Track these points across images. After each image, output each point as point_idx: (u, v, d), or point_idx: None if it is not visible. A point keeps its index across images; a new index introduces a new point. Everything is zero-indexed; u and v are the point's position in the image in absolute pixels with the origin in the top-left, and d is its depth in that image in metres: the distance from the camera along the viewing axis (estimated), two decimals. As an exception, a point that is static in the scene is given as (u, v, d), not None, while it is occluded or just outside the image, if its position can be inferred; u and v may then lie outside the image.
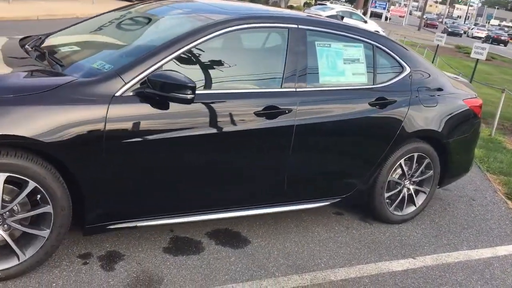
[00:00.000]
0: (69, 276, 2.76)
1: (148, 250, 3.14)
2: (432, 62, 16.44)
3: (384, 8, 57.79)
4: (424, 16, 64.79)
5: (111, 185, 2.76)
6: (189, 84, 2.68)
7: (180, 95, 2.68)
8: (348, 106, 3.50)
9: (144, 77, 2.74)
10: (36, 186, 2.54)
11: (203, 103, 2.91)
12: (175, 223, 3.15)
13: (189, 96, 2.70)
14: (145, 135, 2.74)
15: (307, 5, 46.70)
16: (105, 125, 2.61)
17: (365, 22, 25.10)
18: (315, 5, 38.11)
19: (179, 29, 3.10)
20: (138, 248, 3.14)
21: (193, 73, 2.95)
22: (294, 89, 3.28)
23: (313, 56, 3.42)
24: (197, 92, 2.88)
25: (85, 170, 2.63)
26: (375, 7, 55.40)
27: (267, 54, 3.32)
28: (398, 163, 3.91)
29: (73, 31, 3.71)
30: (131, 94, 2.72)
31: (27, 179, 2.51)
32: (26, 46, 3.33)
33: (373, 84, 3.70)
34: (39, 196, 2.60)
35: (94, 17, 3.94)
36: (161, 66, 2.83)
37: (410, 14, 76.12)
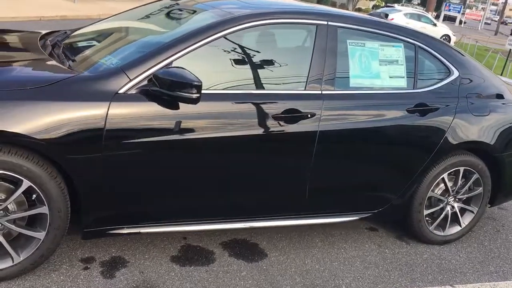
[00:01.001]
0: (65, 282, 2.63)
1: (155, 258, 2.96)
2: (503, 68, 15.36)
3: (459, 12, 55.24)
4: (503, 20, 61.31)
5: (111, 188, 2.59)
6: (194, 83, 2.47)
7: (185, 94, 2.48)
8: (382, 112, 3.15)
9: (150, 74, 2.56)
10: (30, 186, 2.42)
11: (215, 104, 2.69)
12: (184, 231, 2.97)
13: (194, 96, 2.49)
14: (149, 136, 2.56)
15: (376, 7, 45.62)
16: (105, 124, 2.45)
17: (434, 25, 24.03)
18: (383, 7, 37.08)
19: (196, 24, 2.89)
20: (145, 255, 2.97)
21: (206, 72, 2.74)
22: (319, 92, 2.98)
23: (343, 56, 3.11)
24: (209, 92, 2.68)
25: (81, 171, 2.49)
26: (449, 10, 53.07)
27: (291, 53, 3.05)
28: (441, 177, 3.50)
29: (100, 27, 3.61)
30: (135, 91, 2.54)
31: (21, 177, 2.40)
32: (46, 41, 3.25)
33: (413, 89, 3.32)
34: (34, 196, 2.48)
35: (123, 12, 3.83)
36: (170, 63, 2.63)
37: (488, 21, 72.11)
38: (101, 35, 3.34)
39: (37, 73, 2.63)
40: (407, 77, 3.31)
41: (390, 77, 3.27)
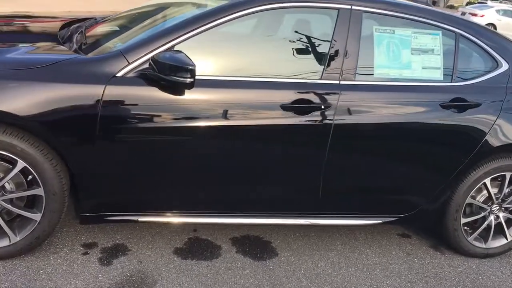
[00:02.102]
0: (61, 265, 2.61)
1: (158, 249, 2.88)
2: None
3: None
4: None
5: (106, 173, 2.54)
6: (187, 66, 2.34)
7: (178, 78, 2.36)
8: (411, 106, 2.84)
9: (150, 58, 2.47)
10: (25, 166, 2.42)
11: (218, 90, 2.55)
12: (184, 222, 2.85)
13: (188, 80, 2.36)
14: (146, 122, 2.47)
15: (470, 4, 43.11)
16: (99, 107, 2.39)
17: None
18: (477, 3, 34.87)
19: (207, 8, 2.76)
20: (149, 245, 2.90)
21: (211, 57, 2.62)
22: (337, 82, 2.74)
23: (368, 43, 2.83)
24: (212, 78, 2.55)
25: (75, 154, 2.45)
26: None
27: (308, 39, 2.82)
28: (482, 182, 3.11)
29: (127, 14, 3.59)
30: (134, 75, 2.46)
31: (16, 158, 2.40)
32: (69, 28, 3.27)
33: (451, 82, 2.97)
34: (30, 177, 2.48)
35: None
36: (172, 47, 2.52)
37: None
38: (123, 23, 3.31)
39: (37, 55, 2.63)
40: (444, 68, 2.96)
41: (423, 68, 2.94)
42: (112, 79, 2.42)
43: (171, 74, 2.36)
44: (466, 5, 41.38)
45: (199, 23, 2.57)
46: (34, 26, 3.36)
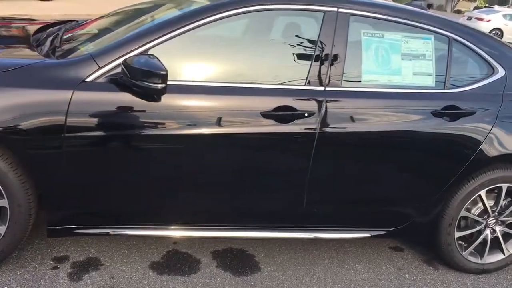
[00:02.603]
0: (27, 281, 2.48)
1: (133, 263, 2.73)
2: None
3: None
4: None
5: (73, 184, 2.40)
6: (158, 72, 2.21)
7: (149, 84, 2.22)
8: (400, 114, 2.69)
9: (121, 62, 2.33)
10: (-13, 177, 2.29)
11: (193, 96, 2.41)
12: (161, 236, 2.70)
13: (158, 86, 2.23)
14: (116, 130, 2.34)
15: (477, 8, 42.89)
16: (66, 114, 2.26)
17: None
18: (484, 8, 34.64)
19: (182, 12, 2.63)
20: (124, 259, 2.75)
21: (187, 61, 2.50)
22: (322, 88, 2.60)
23: (355, 48, 2.69)
24: (187, 83, 2.42)
25: (40, 164, 2.32)
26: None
27: (292, 43, 2.68)
28: (477, 194, 2.95)
29: (108, 18, 3.46)
30: (104, 80, 2.33)
31: (-23, 167, 2.27)
32: (45, 32, 3.14)
33: (443, 88, 2.81)
34: (-7, 188, 2.35)
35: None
36: (147, 50, 2.39)
37: None
38: (104, 25, 3.18)
39: (2, 60, 2.50)
40: (436, 74, 2.81)
41: (414, 74, 2.79)
42: (81, 84, 2.29)
43: (142, 80, 2.23)
44: (473, 9, 41.16)
45: (175, 26, 2.44)
46: (8, 29, 3.24)
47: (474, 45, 2.90)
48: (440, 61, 2.83)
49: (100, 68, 2.33)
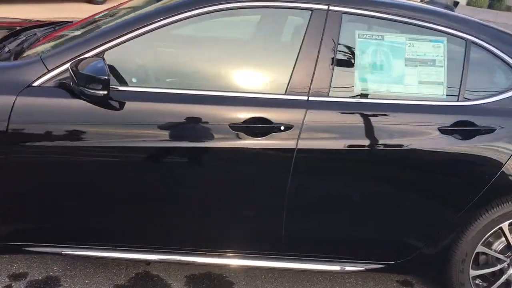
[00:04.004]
0: (-27, 300, 2.30)
1: (95, 285, 2.49)
2: None
3: None
4: None
5: (20, 197, 2.19)
6: (100, 77, 1.95)
7: (90, 90, 1.97)
8: (400, 130, 2.29)
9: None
10: None
11: (152, 105, 2.14)
12: (118, 258, 2.44)
13: (100, 93, 1.97)
14: (63, 139, 2.10)
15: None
16: (8, 122, 2.05)
17: None
18: None
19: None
20: (86, 280, 2.52)
21: (146, 66, 2.24)
22: (304, 98, 2.24)
23: (348, 51, 2.32)
24: (145, 90, 2.16)
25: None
26: None
27: (271, 46, 2.35)
28: (497, 227, 2.48)
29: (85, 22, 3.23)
30: (53, 85, 2.11)
31: None
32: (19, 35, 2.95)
33: (457, 101, 2.37)
34: None
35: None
36: (101, 53, 2.14)
37: None
38: (77, 29, 2.97)
39: None
40: (448, 84, 2.38)
41: (420, 83, 2.37)
42: (26, 89, 2.08)
43: (85, 85, 1.98)
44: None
45: (133, 26, 2.17)
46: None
47: (498, 49, 2.43)
48: (454, 68, 2.39)
49: (49, 71, 2.11)
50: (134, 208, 2.25)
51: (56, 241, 2.31)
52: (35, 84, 2.10)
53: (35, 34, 2.80)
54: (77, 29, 2.57)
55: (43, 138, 2.09)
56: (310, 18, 2.28)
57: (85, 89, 1.97)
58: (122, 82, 2.19)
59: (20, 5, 8.86)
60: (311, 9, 2.28)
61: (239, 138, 2.16)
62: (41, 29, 3.00)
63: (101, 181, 2.19)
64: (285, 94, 2.24)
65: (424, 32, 2.38)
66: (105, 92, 1.97)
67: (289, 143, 2.19)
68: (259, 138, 2.18)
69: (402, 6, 2.40)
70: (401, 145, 2.28)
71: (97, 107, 2.06)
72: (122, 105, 2.08)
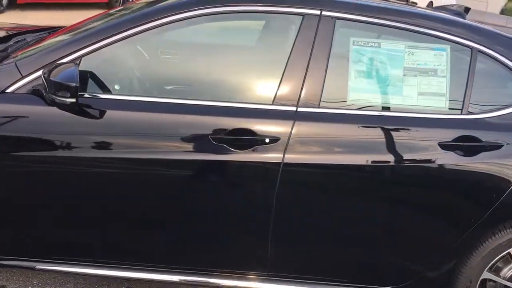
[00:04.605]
0: None
1: (72, 302, 2.38)
2: None
3: None
4: None
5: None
6: (68, 84, 1.84)
7: (58, 97, 1.87)
8: (394, 145, 2.12)
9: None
10: None
11: (129, 114, 2.02)
12: (94, 274, 2.32)
13: (68, 101, 1.87)
14: (33, 150, 2.02)
15: None
16: (-22, 130, 1.97)
17: None
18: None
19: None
20: (63, 296, 2.42)
21: (125, 73, 2.13)
22: (293, 109, 2.09)
23: (341, 59, 2.17)
24: (120, 98, 2.06)
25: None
26: None
27: (258, 53, 2.21)
28: (506, 252, 2.27)
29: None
30: (26, 91, 2.02)
31: None
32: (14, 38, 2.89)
33: (460, 114, 2.19)
34: None
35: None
36: (78, 58, 2.04)
37: None
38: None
39: None
40: (450, 96, 2.19)
41: (420, 94, 2.19)
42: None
43: (54, 93, 1.88)
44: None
45: (113, 31, 2.07)
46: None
47: (508, 59, 2.23)
48: (458, 78, 2.21)
49: (23, 77, 2.03)
50: (108, 222, 2.14)
51: (30, 255, 2.21)
52: (9, 90, 2.02)
53: (25, 39, 2.73)
54: (66, 34, 2.48)
55: (15, 147, 2.00)
56: (301, 23, 2.14)
57: (55, 96, 1.87)
58: (105, 89, 2.09)
59: (47, 11, 9.00)
60: (302, 14, 2.14)
61: (221, 150, 2.03)
62: (34, 34, 2.93)
63: (74, 193, 2.08)
64: (272, 104, 2.10)
65: (425, 39, 2.21)
66: (73, 100, 1.87)
67: (275, 157, 2.05)
68: (243, 151, 2.04)
69: (401, 11, 2.25)
70: (398, 161, 2.11)
71: (71, 115, 1.96)
72: (96, 113, 1.97)
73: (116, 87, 2.13)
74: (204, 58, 2.29)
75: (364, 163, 2.10)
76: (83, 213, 2.12)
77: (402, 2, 2.47)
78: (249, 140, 2.04)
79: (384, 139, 2.12)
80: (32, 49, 2.24)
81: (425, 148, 2.12)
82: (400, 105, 2.18)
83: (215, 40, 2.37)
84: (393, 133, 2.12)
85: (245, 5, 2.12)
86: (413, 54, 2.20)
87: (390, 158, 2.11)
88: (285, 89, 2.10)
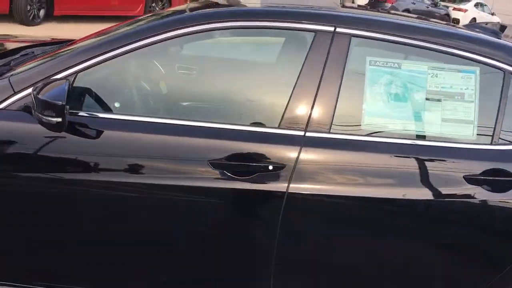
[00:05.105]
0: None
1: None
2: None
3: None
4: None
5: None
6: (54, 102, 1.72)
7: (45, 116, 1.75)
8: (415, 176, 1.90)
9: (33, 88, 1.90)
10: None
11: (124, 134, 1.89)
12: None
13: (53, 120, 1.74)
14: (21, 171, 1.90)
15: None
16: (-35, 148, 1.87)
17: None
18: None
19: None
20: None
21: (121, 91, 2.01)
22: (301, 133, 1.91)
23: (356, 80, 1.98)
24: (117, 117, 1.92)
25: None
26: None
27: (264, 72, 2.04)
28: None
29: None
30: (16, 108, 1.91)
31: None
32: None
33: (490, 144, 1.95)
34: None
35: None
36: (73, 74, 1.92)
37: None
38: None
39: None
40: (479, 123, 1.96)
41: (444, 121, 1.97)
42: (-13, 113, 1.89)
43: (41, 112, 1.76)
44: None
45: (111, 46, 1.95)
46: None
47: (548, 82, 1.99)
48: (488, 104, 1.98)
49: (15, 93, 1.92)
50: (91, 247, 1.99)
51: (22, 281, 2.08)
52: (1, 106, 1.91)
53: (33, 52, 2.65)
54: (67, 48, 2.38)
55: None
56: (313, 41, 1.96)
57: (41, 115, 1.75)
58: (100, 107, 1.97)
59: (83, 23, 9.12)
60: (315, 31, 1.96)
61: (220, 177, 1.86)
62: (45, 47, 2.86)
63: (60, 217, 1.95)
64: (278, 127, 1.92)
65: (451, 60, 2.00)
66: (59, 120, 1.73)
67: (279, 186, 1.86)
68: (244, 178, 1.86)
69: (424, 29, 2.05)
70: (416, 195, 1.89)
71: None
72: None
73: (115, 105, 1.99)
74: (207, 75, 2.14)
75: (378, 196, 1.89)
76: (64, 237, 1.98)
77: (442, 22, 2.26)
78: (250, 166, 1.86)
79: (402, 170, 1.91)
80: (29, 64, 2.14)
81: (448, 181, 1.89)
82: (421, 133, 1.97)
83: (220, 56, 2.21)
84: (412, 164, 1.91)
85: (251, 21, 1.96)
86: (437, 76, 1.99)
87: (407, 191, 1.89)
88: (293, 111, 1.92)
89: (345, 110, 1.95)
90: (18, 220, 1.96)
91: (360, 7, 2.24)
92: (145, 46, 1.93)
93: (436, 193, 1.89)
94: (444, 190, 1.89)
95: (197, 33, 1.94)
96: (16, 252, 2.02)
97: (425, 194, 1.89)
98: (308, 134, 1.91)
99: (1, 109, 1.91)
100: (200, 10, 2.04)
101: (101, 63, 1.93)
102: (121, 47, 1.93)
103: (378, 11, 2.24)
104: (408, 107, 1.98)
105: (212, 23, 1.93)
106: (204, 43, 2.07)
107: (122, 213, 1.92)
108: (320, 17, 2.00)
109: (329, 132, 1.92)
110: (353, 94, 1.97)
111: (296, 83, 1.93)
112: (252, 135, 1.90)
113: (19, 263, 2.04)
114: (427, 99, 1.98)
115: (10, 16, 8.35)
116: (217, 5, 2.26)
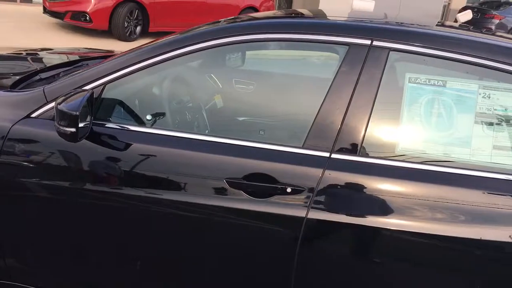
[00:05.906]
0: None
1: None
2: None
3: None
4: None
5: None
6: (70, 113, 1.71)
7: (60, 126, 1.75)
8: (460, 211, 1.65)
9: (69, 97, 1.93)
10: None
11: (143, 147, 1.85)
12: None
13: (68, 131, 1.73)
14: (42, 177, 1.93)
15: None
16: (1, 151, 1.94)
17: None
18: None
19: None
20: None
21: (149, 104, 1.97)
22: (326, 154, 1.75)
23: (392, 99, 1.78)
24: (136, 129, 1.89)
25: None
26: None
27: (289, 88, 1.88)
28: None
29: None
30: (47, 117, 1.95)
31: None
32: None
33: (550, 178, 1.65)
34: None
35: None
36: (101, 85, 1.93)
37: None
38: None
39: None
40: (538, 153, 1.68)
41: (496, 149, 1.71)
42: (23, 120, 1.95)
43: (59, 122, 1.77)
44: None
45: (139, 58, 1.93)
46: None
47: None
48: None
49: (47, 103, 1.97)
50: (106, 258, 1.96)
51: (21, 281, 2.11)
52: (34, 115, 1.97)
53: (87, 64, 2.74)
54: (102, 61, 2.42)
55: (29, 174, 1.94)
56: (345, 54, 1.80)
57: (58, 126, 1.76)
58: (137, 120, 1.96)
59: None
60: (348, 44, 1.80)
61: (236, 196, 1.75)
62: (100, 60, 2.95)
63: (62, 225, 1.95)
64: (302, 147, 1.78)
65: (507, 78, 1.73)
66: (73, 130, 1.73)
67: (297, 211, 1.71)
68: (260, 199, 1.74)
69: (474, 42, 1.79)
70: (459, 232, 1.65)
71: (77, 145, 1.84)
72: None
73: (134, 118, 1.97)
74: (229, 90, 2.05)
75: (411, 230, 1.67)
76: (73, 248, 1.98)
77: (476, 30, 2.00)
78: (267, 187, 1.73)
79: (444, 203, 1.67)
80: (67, 74, 2.19)
81: (497, 219, 1.62)
82: (468, 161, 1.71)
83: (243, 70, 2.11)
84: (456, 195, 1.66)
85: (281, 33, 1.85)
86: (489, 97, 1.73)
87: (447, 227, 1.65)
88: (319, 130, 1.77)
89: (378, 131, 1.76)
90: (48, 230, 2.00)
91: (461, 25, 2.02)
92: (175, 58, 1.89)
93: (485, 232, 1.63)
94: (494, 230, 1.62)
95: (232, 44, 1.86)
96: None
97: (472, 232, 1.64)
98: (333, 155, 1.74)
99: (34, 117, 1.96)
100: (204, 27, 1.95)
101: (128, 74, 1.92)
102: (149, 59, 1.91)
103: (481, 32, 2.02)
104: (453, 131, 1.74)
105: (229, 36, 1.84)
106: (234, 57, 1.98)
107: (135, 227, 1.88)
108: (356, 29, 1.83)
109: (358, 155, 1.74)
110: (388, 114, 1.77)
111: (324, 100, 1.78)
112: (273, 154, 1.77)
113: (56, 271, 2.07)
114: (475, 122, 1.72)
115: (109, 33, 8.90)
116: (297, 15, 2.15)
